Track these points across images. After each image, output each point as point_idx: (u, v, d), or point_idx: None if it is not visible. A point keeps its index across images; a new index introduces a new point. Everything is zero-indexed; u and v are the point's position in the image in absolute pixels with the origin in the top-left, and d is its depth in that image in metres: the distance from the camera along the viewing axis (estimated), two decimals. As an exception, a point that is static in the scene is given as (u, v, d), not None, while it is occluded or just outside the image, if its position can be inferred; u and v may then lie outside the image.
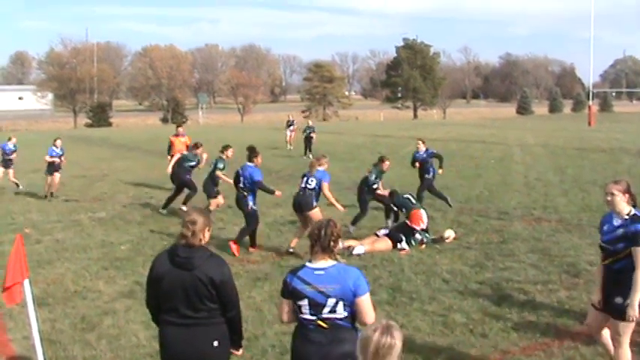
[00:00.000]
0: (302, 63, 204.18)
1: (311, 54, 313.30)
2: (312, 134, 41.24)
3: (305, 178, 16.19)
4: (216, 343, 6.46)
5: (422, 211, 17.31)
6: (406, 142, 46.56)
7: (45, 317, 11.35)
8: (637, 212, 8.02)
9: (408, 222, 16.92)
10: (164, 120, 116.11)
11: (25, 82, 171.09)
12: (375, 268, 14.37)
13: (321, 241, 6.30)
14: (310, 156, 36.28)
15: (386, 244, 16.19)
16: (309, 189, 15.91)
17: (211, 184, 20.46)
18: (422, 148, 21.00)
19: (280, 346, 9.90)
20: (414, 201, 17.80)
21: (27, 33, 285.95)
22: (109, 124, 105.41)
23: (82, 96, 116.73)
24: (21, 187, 27.00)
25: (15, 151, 27.55)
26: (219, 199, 20.95)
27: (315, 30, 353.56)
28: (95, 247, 16.95)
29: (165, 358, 6.65)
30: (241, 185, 16.59)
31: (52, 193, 25.23)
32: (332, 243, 6.32)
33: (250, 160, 16.74)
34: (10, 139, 27.60)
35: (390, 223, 17.77)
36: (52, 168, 25.42)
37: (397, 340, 4.60)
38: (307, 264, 6.39)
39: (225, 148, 19.99)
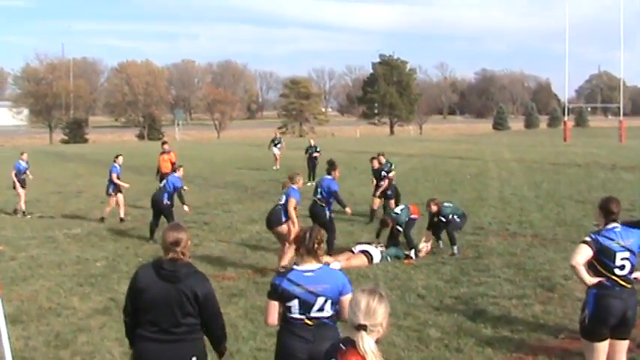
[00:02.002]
0: (278, 79, 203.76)
1: (287, 70, 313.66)
2: (315, 154, 37.22)
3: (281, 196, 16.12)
4: (194, 359, 6.45)
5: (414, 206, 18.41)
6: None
7: (18, 334, 11.26)
8: (604, 228, 8.03)
9: (410, 217, 17.83)
10: (140, 136, 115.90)
11: (0, 97, 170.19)
12: (349, 284, 14.31)
13: (306, 244, 6.63)
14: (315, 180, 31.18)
15: (361, 260, 16.24)
16: (279, 205, 15.79)
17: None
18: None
19: (255, 362, 9.89)
20: (402, 207, 18.15)
21: (2, 48, 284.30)
22: (85, 141, 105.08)
23: (57, 112, 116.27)
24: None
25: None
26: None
27: (291, 46, 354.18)
28: (70, 264, 16.85)
29: None
30: (319, 196, 17.34)
31: (121, 218, 23.55)
32: (316, 246, 6.64)
33: (329, 173, 17.78)
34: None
35: (375, 244, 17.57)
36: (117, 187, 23.64)
37: (384, 300, 4.93)
38: (295, 267, 6.66)
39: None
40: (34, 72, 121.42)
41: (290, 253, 15.28)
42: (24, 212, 24.82)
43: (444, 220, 17.54)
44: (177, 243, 6.41)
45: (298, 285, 6.51)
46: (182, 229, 6.62)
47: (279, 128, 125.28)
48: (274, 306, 6.64)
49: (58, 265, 16.70)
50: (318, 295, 6.49)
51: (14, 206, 25.55)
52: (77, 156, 60.84)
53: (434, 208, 17.66)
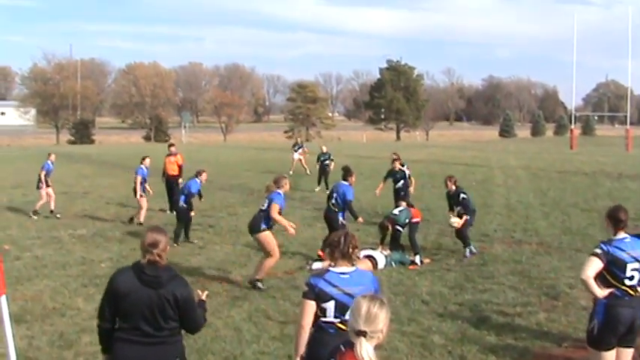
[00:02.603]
0: (286, 83, 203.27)
1: (295, 74, 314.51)
2: (327, 162, 34.48)
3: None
4: None
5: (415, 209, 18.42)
6: (389, 163, 46.70)
7: (22, 334, 11.27)
8: (615, 238, 8.04)
9: (412, 220, 17.76)
10: (147, 138, 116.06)
11: (8, 97, 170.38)
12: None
13: (341, 249, 6.69)
14: (327, 190, 29.23)
15: (366, 265, 16.18)
16: (262, 210, 14.75)
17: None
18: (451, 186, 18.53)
19: (259, 365, 9.89)
20: (401, 208, 18.19)
21: (10, 48, 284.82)
22: (92, 142, 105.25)
23: (64, 112, 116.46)
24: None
25: None
26: None
27: (299, 50, 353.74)
28: (75, 265, 16.88)
29: None
30: (333, 202, 17.14)
31: (131, 218, 23.62)
32: (351, 250, 6.69)
33: (345, 179, 17.35)
34: None
35: (381, 249, 17.66)
36: (145, 189, 23.58)
37: (384, 307, 4.93)
38: (331, 269, 6.70)
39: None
40: (42, 72, 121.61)
41: (268, 265, 14.76)
42: (35, 211, 24.70)
43: (464, 196, 17.82)
44: (154, 245, 6.34)
45: (335, 286, 6.53)
46: (162, 232, 6.56)
47: (286, 132, 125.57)
48: (311, 306, 6.57)
49: (62, 266, 16.73)
50: (354, 298, 6.45)
51: (50, 208, 25.09)
52: (83, 157, 60.84)
53: (450, 186, 18.09)
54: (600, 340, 7.90)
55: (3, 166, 32.88)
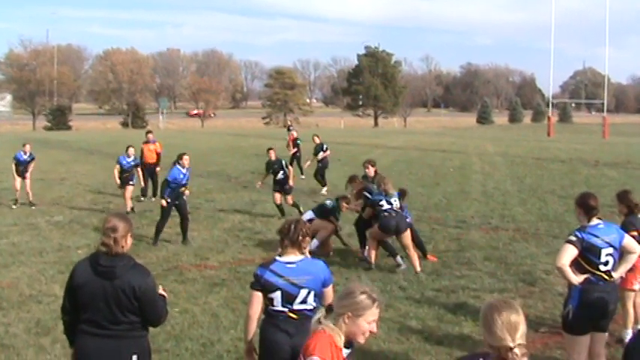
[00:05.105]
0: (263, 69, 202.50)
1: (273, 60, 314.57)
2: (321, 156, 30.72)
3: (385, 200, 14.74)
4: (135, 358, 6.25)
5: None
6: (367, 149, 46.81)
7: (-2, 321, 11.24)
8: (588, 225, 8.09)
9: None
10: (124, 124, 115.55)
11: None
12: (331, 275, 14.30)
13: (291, 236, 6.66)
14: (324, 191, 27.23)
15: (325, 230, 16.25)
16: (402, 209, 14.97)
17: None
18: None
19: (236, 351, 9.87)
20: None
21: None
22: (69, 128, 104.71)
23: (41, 98, 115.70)
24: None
25: None
26: None
27: (277, 36, 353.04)
28: (51, 251, 16.80)
29: None
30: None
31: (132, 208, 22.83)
32: (300, 238, 6.67)
33: None
34: None
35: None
36: (127, 180, 22.84)
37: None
38: (278, 258, 6.70)
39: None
40: (18, 58, 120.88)
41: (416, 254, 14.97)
42: (15, 200, 24.26)
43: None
44: (114, 229, 6.14)
45: (281, 276, 6.53)
46: (124, 219, 6.36)
47: (264, 118, 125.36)
48: (257, 297, 6.63)
49: (39, 252, 16.65)
50: (300, 287, 6.52)
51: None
52: (60, 143, 60.55)
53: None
54: (575, 325, 7.95)
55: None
